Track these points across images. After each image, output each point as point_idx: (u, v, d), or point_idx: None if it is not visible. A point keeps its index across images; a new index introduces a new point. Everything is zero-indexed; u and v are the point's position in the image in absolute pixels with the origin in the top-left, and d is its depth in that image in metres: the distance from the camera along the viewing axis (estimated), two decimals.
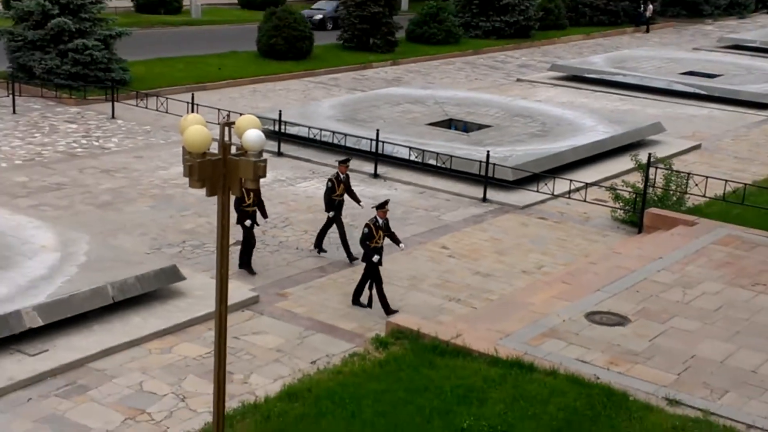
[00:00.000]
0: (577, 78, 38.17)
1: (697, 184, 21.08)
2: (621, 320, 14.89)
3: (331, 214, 17.72)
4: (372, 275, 15.63)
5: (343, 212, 18.16)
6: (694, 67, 39.58)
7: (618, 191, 21.13)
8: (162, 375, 13.24)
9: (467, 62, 42.83)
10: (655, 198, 20.79)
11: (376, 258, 15.45)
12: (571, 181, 22.08)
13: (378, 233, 15.57)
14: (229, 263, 10.77)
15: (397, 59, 41.39)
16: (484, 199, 21.99)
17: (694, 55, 44.72)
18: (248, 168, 9.99)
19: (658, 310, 15.26)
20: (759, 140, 29.15)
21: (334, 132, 25.13)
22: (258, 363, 13.76)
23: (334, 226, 17.92)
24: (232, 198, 14.56)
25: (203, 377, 13.05)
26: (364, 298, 15.80)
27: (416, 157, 23.75)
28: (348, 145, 24.73)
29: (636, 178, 21.77)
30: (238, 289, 15.58)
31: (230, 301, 11.31)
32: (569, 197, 21.98)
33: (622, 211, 20.95)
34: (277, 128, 25.28)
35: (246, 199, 16.55)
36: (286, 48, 38.18)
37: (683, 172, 21.48)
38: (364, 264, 15.86)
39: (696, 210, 20.70)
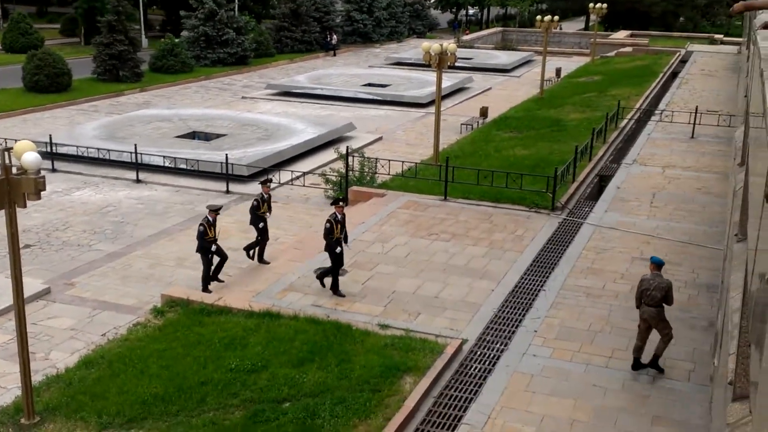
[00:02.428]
0: (287, 93, 38.32)
1: (383, 166, 21.91)
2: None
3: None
4: (336, 263, 14.11)
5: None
6: (371, 80, 40.92)
7: (327, 176, 21.53)
8: None
9: (201, 86, 41.68)
10: (355, 179, 21.34)
11: (338, 249, 14.01)
12: (292, 171, 22.22)
13: (337, 227, 14.10)
14: (22, 264, 9.91)
15: (145, 87, 39.47)
16: (227, 192, 21.62)
17: (370, 71, 46.21)
18: (30, 184, 9.38)
19: (366, 261, 15.76)
20: (422, 130, 30.71)
21: (98, 149, 23.67)
22: (56, 341, 12.78)
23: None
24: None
25: (9, 360, 11.92)
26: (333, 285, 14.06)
27: (169, 163, 22.90)
28: (112, 158, 23.41)
29: (339, 166, 22.25)
30: (31, 284, 14.31)
31: (25, 295, 10.46)
32: (292, 184, 22.11)
33: (332, 190, 21.38)
34: (49, 149, 23.37)
35: (208, 232, 14.39)
36: (49, 83, 35.31)
37: (372, 158, 22.21)
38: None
39: (384, 185, 21.39)
